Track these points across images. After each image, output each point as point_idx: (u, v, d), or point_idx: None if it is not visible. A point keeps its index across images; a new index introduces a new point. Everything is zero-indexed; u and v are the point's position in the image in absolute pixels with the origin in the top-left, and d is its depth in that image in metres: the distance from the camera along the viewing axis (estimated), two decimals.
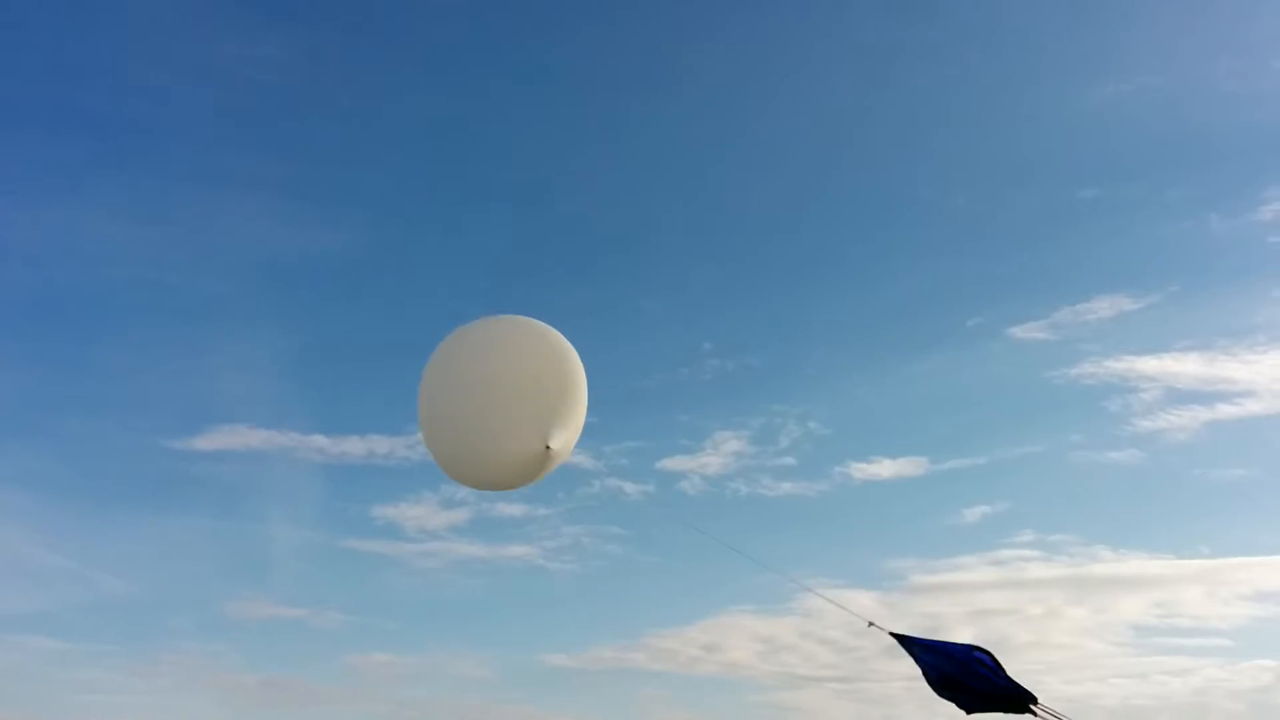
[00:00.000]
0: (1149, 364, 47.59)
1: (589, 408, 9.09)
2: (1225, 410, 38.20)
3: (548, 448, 7.64)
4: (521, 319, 9.11)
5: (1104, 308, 42.93)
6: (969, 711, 6.53)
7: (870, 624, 7.29)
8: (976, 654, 6.48)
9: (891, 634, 7.01)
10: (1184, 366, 48.66)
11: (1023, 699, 6.24)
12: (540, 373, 8.47)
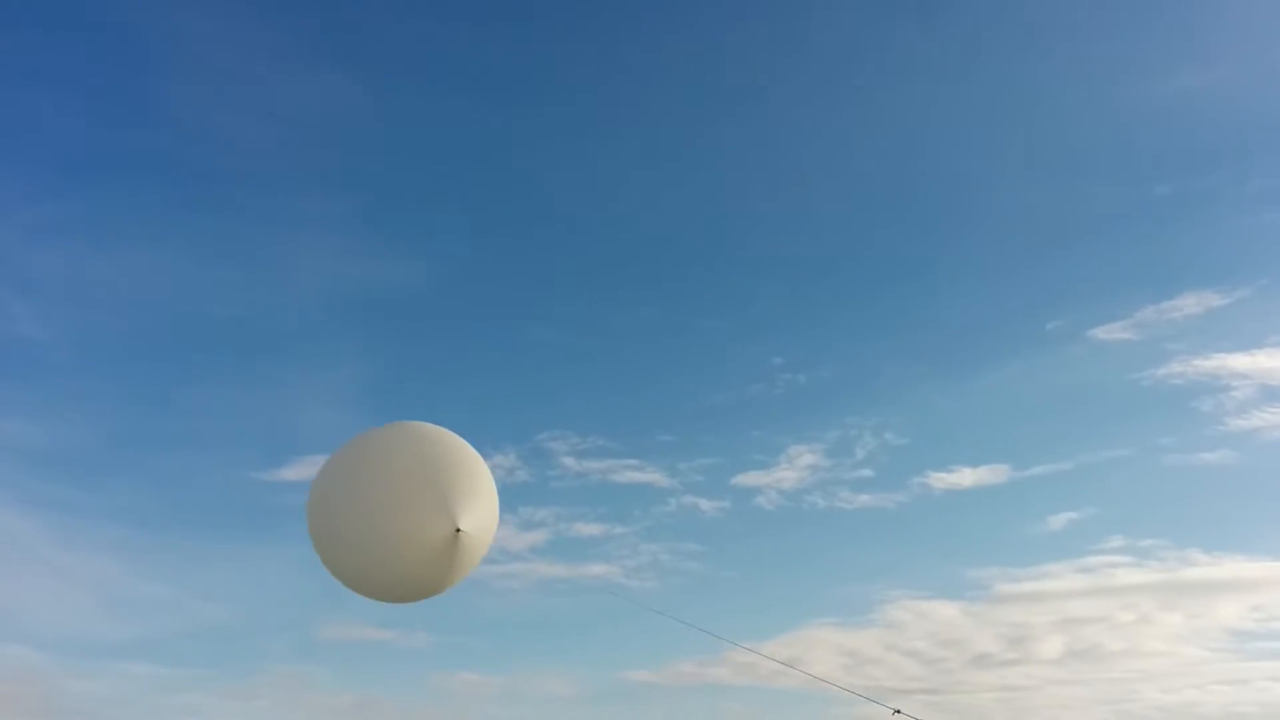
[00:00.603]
0: (1240, 361, 46.05)
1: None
2: None
3: (458, 530, 7.11)
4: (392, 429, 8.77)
5: (1190, 305, 41.71)
6: None
7: (896, 711, 7.31)
8: None
9: None
10: (1277, 362, 46.98)
11: None
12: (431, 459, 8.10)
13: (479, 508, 7.54)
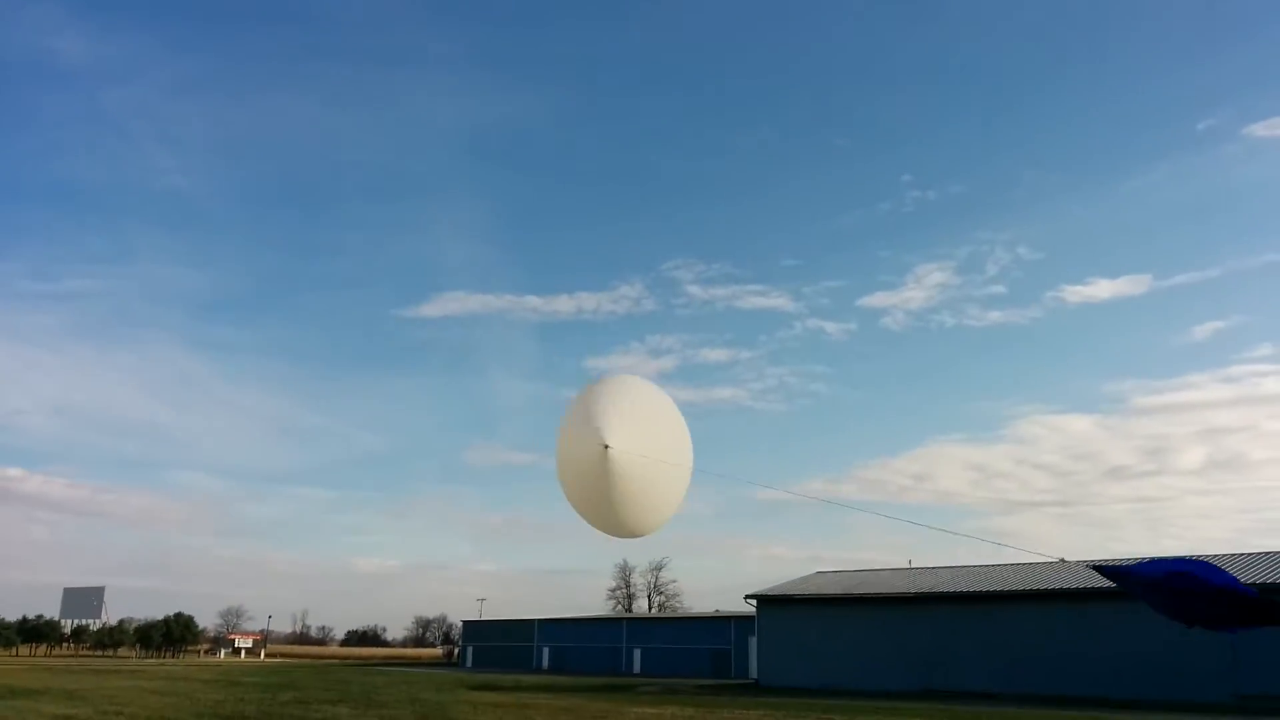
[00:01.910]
0: None
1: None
2: None
3: (605, 447, 7.69)
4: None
5: None
6: (1212, 627, 5.70)
7: (1061, 559, 7.33)
8: (1203, 568, 5.32)
9: (1092, 567, 6.43)
10: None
11: (1272, 611, 5.24)
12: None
13: (633, 430, 8.01)
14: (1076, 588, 37.95)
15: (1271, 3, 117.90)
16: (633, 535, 9.40)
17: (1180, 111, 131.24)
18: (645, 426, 8.36)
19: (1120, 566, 5.81)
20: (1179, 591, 5.43)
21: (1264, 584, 34.62)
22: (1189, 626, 5.81)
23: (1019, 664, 38.44)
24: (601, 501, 8.48)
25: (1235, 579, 5.35)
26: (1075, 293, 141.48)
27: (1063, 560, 7.24)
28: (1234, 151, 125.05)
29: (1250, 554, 40.46)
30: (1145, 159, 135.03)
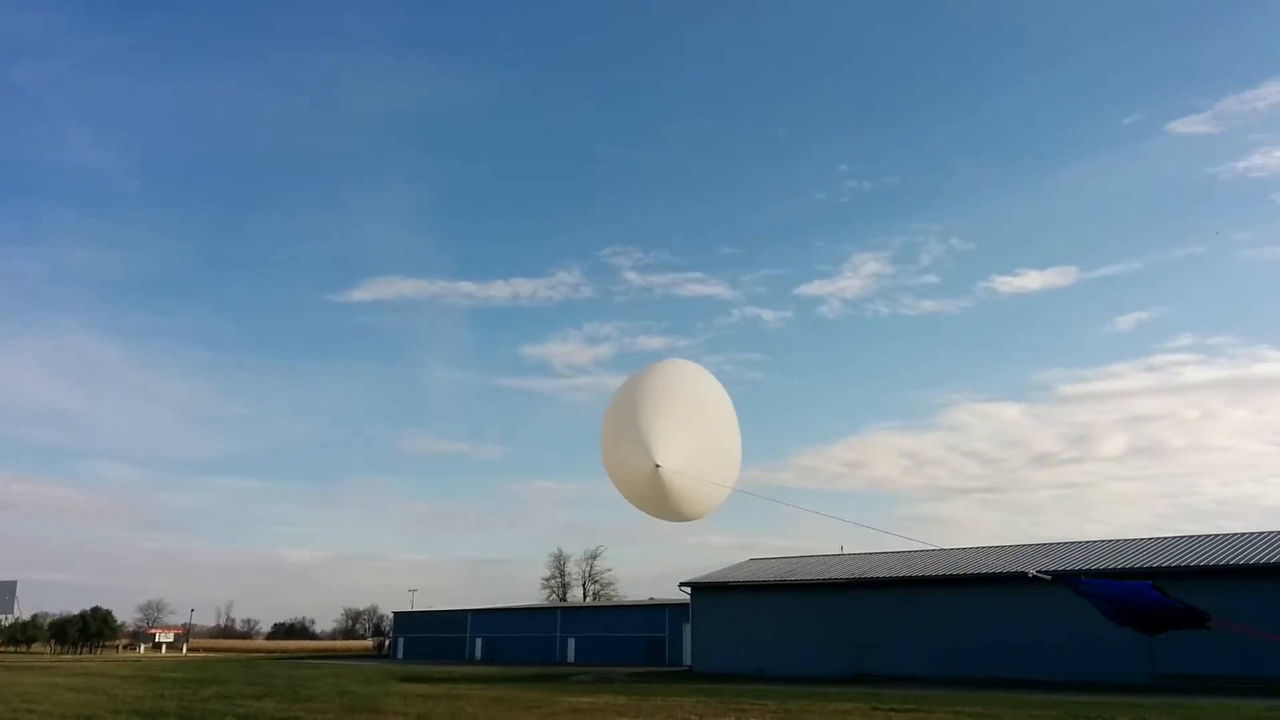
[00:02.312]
0: None
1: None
2: None
3: (657, 466, 7.82)
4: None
5: (1275, 93, 42.83)
6: (1151, 634, 7.04)
7: (1032, 573, 7.84)
8: (1148, 591, 6.82)
9: (1056, 579, 7.63)
10: None
11: (1199, 616, 6.57)
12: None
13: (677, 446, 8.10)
14: (1003, 572, 38.67)
15: (1193, 4, 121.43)
16: (680, 520, 9.67)
17: (1108, 107, 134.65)
18: (697, 439, 8.45)
19: (1082, 582, 7.23)
20: (1133, 606, 6.90)
21: (1181, 567, 35.63)
22: (1121, 626, 7.30)
23: (948, 648, 39.09)
24: (652, 501, 8.57)
25: (1161, 597, 6.76)
26: (1006, 283, 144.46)
27: (1030, 573, 7.85)
28: (1157, 147, 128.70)
29: (1168, 538, 41.66)
30: (1074, 153, 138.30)
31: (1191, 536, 41.09)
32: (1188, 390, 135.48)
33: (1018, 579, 37.31)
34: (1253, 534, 39.21)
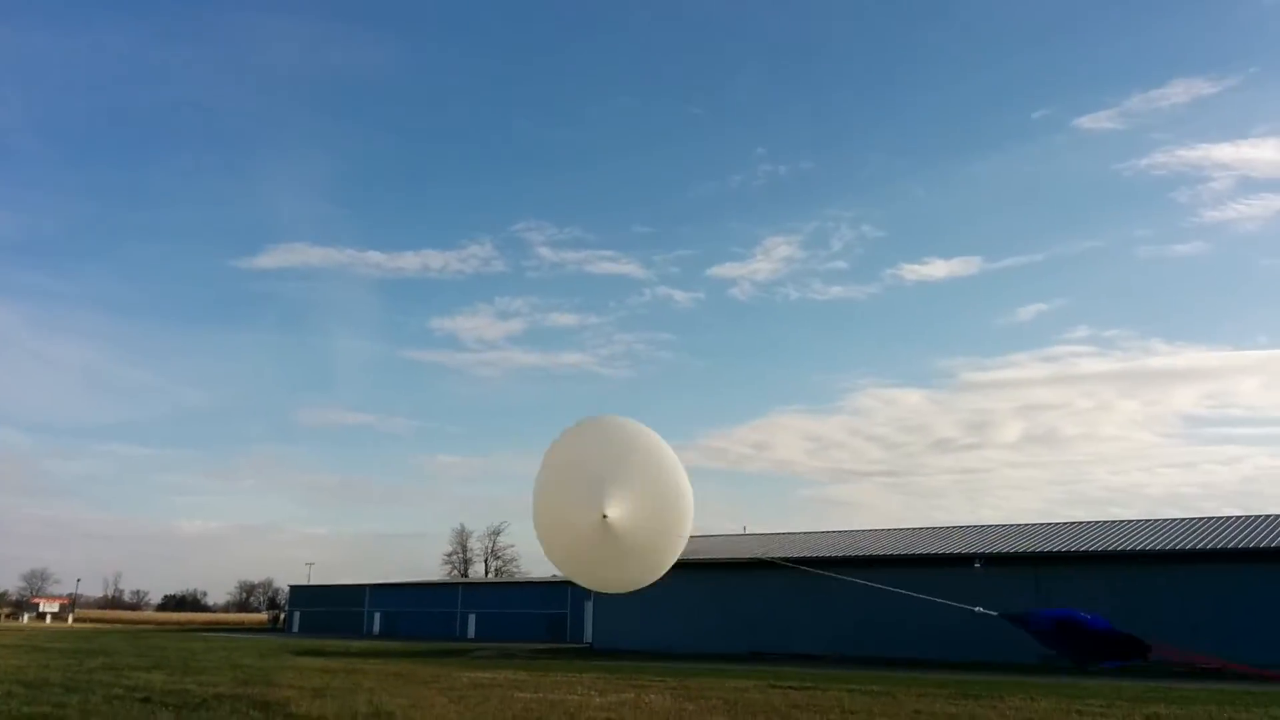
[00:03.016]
0: (1224, 151, 52.25)
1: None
2: None
3: (604, 516, 7.35)
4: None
5: (1179, 93, 44.36)
6: (1085, 664, 7.51)
7: (977, 610, 8.18)
8: (1082, 615, 7.04)
9: (1001, 615, 7.75)
10: (1261, 153, 53.53)
11: (1139, 646, 6.69)
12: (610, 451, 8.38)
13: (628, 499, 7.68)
14: (900, 554, 39.63)
15: (1106, 4, 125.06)
16: (621, 589, 9.35)
17: (1019, 101, 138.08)
18: (647, 497, 7.96)
19: (1022, 613, 7.72)
20: (1068, 631, 7.04)
21: (1070, 552, 36.95)
22: (1078, 663, 8.00)
23: (845, 629, 39.93)
24: (596, 564, 8.25)
25: (1109, 623, 6.93)
26: (913, 271, 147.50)
27: (978, 610, 8.20)
28: (1063, 141, 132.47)
29: (1059, 524, 43.19)
30: (984, 145, 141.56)
31: (1081, 523, 42.67)
32: (1082, 381, 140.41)
33: (913, 561, 38.29)
34: (1139, 521, 40.90)
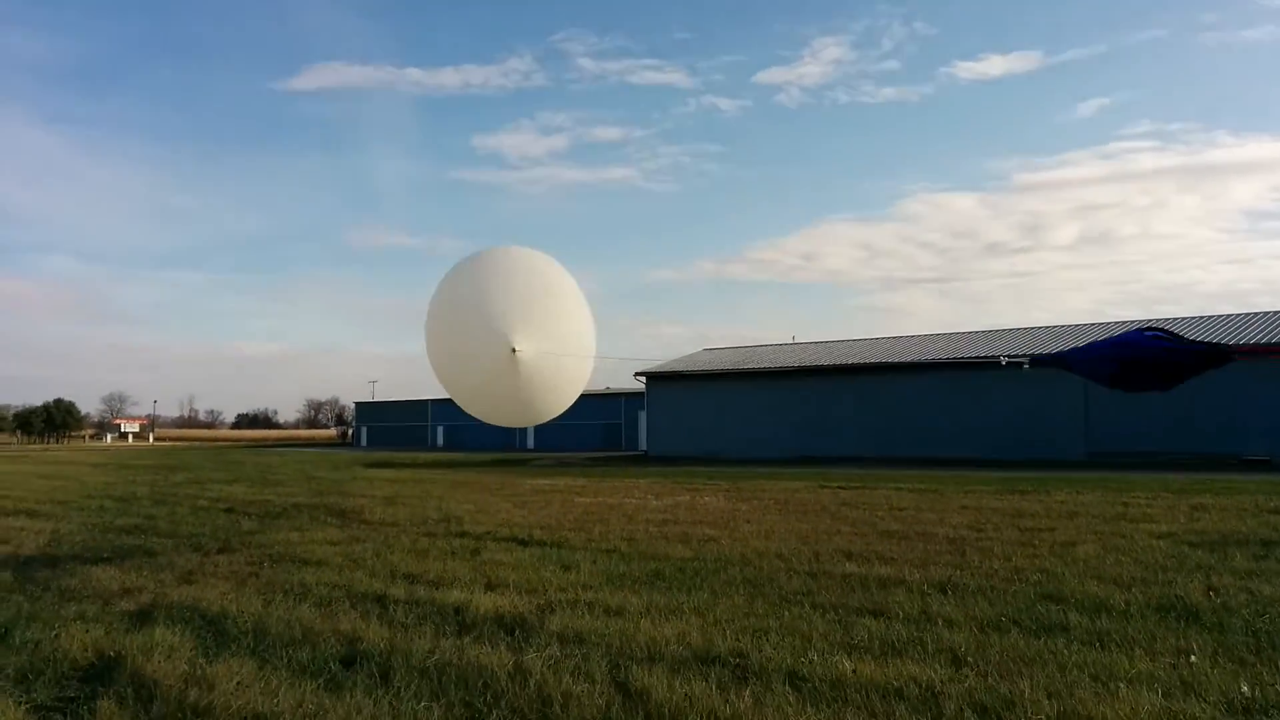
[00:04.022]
0: None
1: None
2: None
3: (514, 350, 7.50)
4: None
5: None
6: (1166, 388, 6.23)
7: (1004, 360, 7.76)
8: (1147, 333, 6.07)
9: (1034, 363, 7.28)
10: None
11: (1221, 354, 5.93)
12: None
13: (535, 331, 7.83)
14: (947, 359, 39.90)
15: None
16: (534, 422, 9.34)
17: None
18: (551, 319, 8.13)
19: (1059, 354, 6.73)
20: (1133, 364, 6.12)
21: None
22: (1119, 389, 6.58)
23: (892, 431, 40.77)
24: (506, 399, 8.32)
25: (1173, 340, 5.98)
26: (968, 69, 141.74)
27: (1002, 360, 7.79)
28: None
29: (1104, 324, 42.96)
30: None
31: (1129, 322, 42.43)
32: (1141, 178, 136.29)
33: (960, 366, 38.57)
34: (1191, 318, 40.53)
